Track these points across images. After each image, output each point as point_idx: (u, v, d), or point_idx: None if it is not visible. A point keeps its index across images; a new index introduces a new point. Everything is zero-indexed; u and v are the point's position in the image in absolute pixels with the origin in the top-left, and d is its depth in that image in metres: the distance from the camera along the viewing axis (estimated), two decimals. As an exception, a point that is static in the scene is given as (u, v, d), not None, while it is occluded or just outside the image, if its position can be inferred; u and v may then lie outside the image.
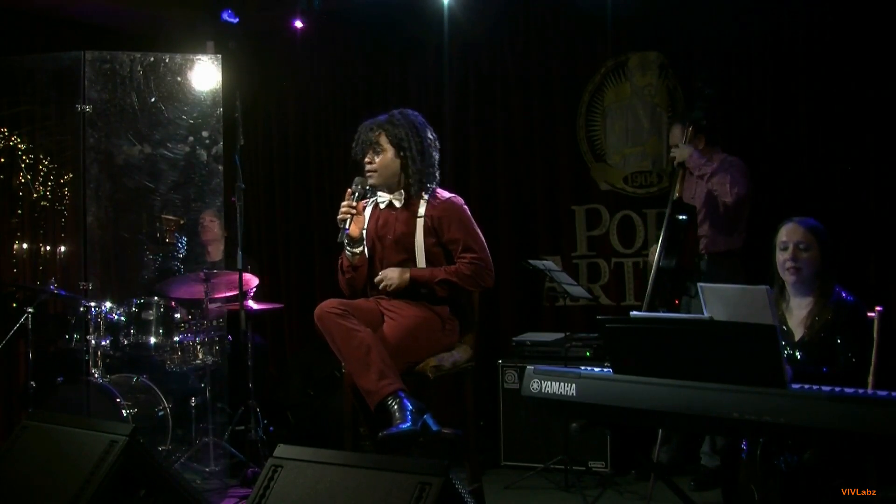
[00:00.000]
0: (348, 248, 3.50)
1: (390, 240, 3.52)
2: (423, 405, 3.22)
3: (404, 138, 3.46)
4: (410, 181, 3.49)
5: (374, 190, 3.59)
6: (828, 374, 2.90)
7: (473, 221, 3.55)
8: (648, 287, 4.17)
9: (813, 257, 3.04)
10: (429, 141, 3.53)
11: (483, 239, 3.55)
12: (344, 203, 3.46)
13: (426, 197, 3.51)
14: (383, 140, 3.48)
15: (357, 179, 3.52)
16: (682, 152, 4.22)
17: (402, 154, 3.47)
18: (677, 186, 4.19)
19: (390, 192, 3.55)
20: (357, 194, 3.49)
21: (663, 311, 4.00)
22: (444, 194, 3.56)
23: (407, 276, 3.45)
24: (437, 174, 3.57)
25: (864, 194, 4.41)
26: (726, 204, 4.13)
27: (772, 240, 3.13)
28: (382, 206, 3.58)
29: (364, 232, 3.56)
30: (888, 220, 4.34)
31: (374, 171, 3.50)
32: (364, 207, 3.59)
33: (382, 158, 3.48)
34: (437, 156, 3.57)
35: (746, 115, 4.73)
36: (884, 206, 4.36)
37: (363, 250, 3.53)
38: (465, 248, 3.47)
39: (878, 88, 4.33)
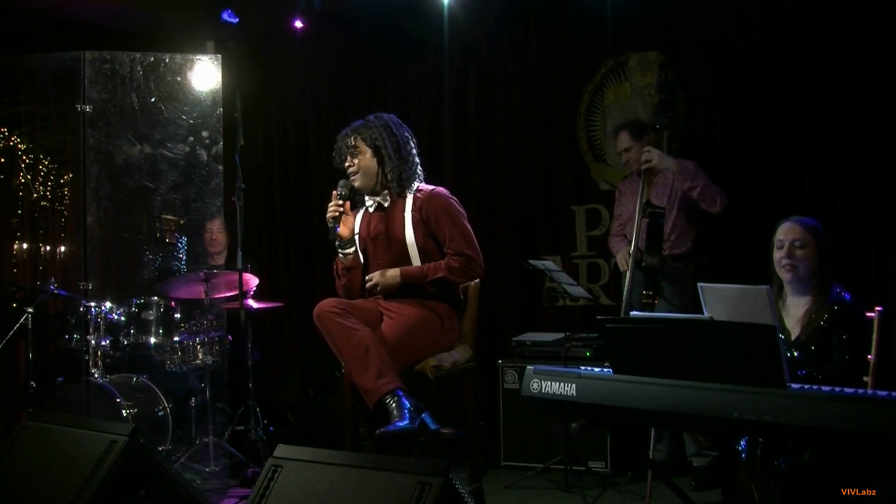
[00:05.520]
0: (340, 249, 3.57)
1: (382, 240, 3.57)
2: (422, 404, 3.22)
3: (378, 137, 3.54)
4: (389, 178, 3.55)
5: (360, 194, 3.64)
6: (820, 375, 2.90)
7: (461, 211, 3.58)
8: (626, 288, 4.22)
9: (809, 255, 3.05)
10: (405, 138, 3.60)
11: (470, 229, 3.57)
12: (331, 203, 3.54)
13: (410, 193, 3.56)
14: (359, 143, 3.56)
15: (341, 182, 3.61)
16: (663, 162, 4.27)
17: (379, 153, 3.54)
18: (646, 189, 4.24)
19: (376, 194, 3.61)
20: (343, 194, 3.56)
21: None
22: (427, 187, 3.61)
23: (398, 277, 3.48)
24: (418, 170, 3.63)
25: (864, 194, 4.41)
26: (714, 212, 4.31)
27: (770, 239, 3.14)
28: (371, 209, 3.63)
29: (356, 236, 3.62)
30: (888, 220, 4.34)
31: (356, 172, 3.57)
32: (352, 207, 3.63)
33: (361, 160, 3.56)
34: (415, 152, 3.63)
35: (746, 115, 4.73)
36: (884, 206, 4.35)
37: (355, 251, 3.60)
38: (451, 239, 3.51)
39: (878, 88, 4.33)
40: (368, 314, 3.40)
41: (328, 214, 3.53)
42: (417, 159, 3.64)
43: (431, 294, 3.50)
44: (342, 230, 3.53)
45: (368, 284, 3.54)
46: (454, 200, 3.59)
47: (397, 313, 3.43)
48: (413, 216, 3.52)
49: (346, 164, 3.59)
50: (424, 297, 3.49)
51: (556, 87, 5.33)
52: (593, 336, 4.69)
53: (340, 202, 3.54)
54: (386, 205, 3.59)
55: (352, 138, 3.57)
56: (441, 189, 3.61)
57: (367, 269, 3.62)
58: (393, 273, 3.49)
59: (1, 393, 5.42)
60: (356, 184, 3.58)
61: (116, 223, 4.97)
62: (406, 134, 3.62)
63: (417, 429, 3.12)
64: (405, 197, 3.56)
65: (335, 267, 3.66)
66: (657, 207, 4.21)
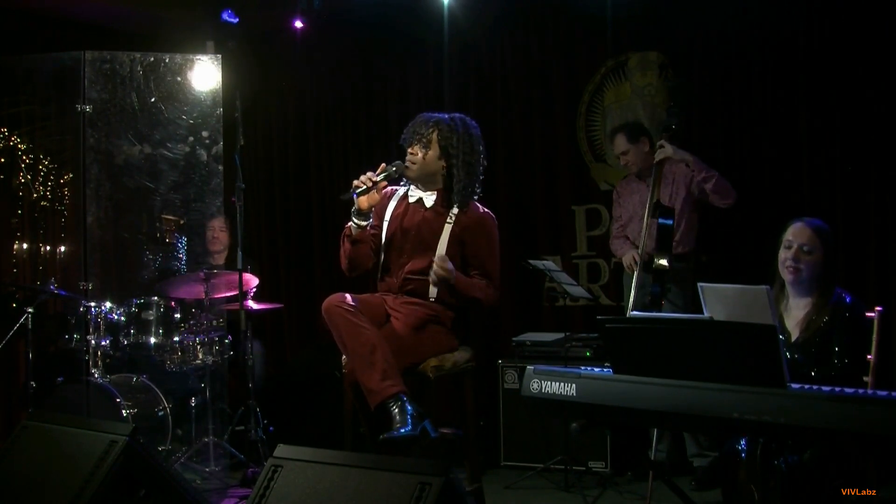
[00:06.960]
0: (354, 217, 3.43)
1: (413, 235, 3.48)
2: (423, 410, 3.21)
3: (454, 146, 3.44)
4: (453, 192, 3.46)
5: (408, 182, 3.56)
6: (819, 376, 2.90)
7: (498, 243, 3.54)
8: (633, 289, 4.22)
9: (815, 261, 3.03)
10: (478, 157, 3.51)
11: (499, 263, 3.54)
12: (368, 173, 3.38)
13: (457, 206, 3.48)
14: (434, 138, 3.46)
15: (398, 163, 3.46)
16: (678, 153, 4.29)
17: (447, 161, 3.46)
18: (657, 189, 4.23)
19: (425, 189, 3.52)
20: (389, 174, 3.41)
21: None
22: (480, 208, 3.54)
23: (453, 277, 3.36)
24: (478, 190, 3.54)
25: (865, 194, 4.41)
26: (725, 206, 4.32)
27: (778, 236, 3.12)
28: (412, 200, 3.55)
29: (385, 222, 3.53)
30: (888, 220, 4.34)
31: (414, 163, 3.47)
32: (387, 189, 3.53)
33: (426, 154, 3.46)
34: (482, 173, 3.54)
35: (746, 115, 4.73)
36: (884, 206, 4.35)
37: (367, 226, 3.46)
38: (483, 269, 3.47)
39: (878, 88, 4.33)
40: (375, 311, 3.38)
41: (356, 181, 3.34)
42: (481, 179, 3.54)
43: (443, 300, 3.46)
44: (362, 202, 3.37)
45: (438, 260, 3.32)
46: (497, 232, 3.54)
47: (404, 314, 3.41)
48: (454, 230, 3.44)
49: (411, 150, 3.48)
50: (435, 303, 3.46)
51: (556, 87, 5.33)
52: (593, 336, 4.69)
53: (377, 180, 3.36)
54: (428, 204, 3.51)
55: (430, 130, 3.46)
56: (491, 216, 3.54)
57: (388, 256, 3.53)
58: (452, 271, 3.32)
59: (1, 393, 5.42)
60: (408, 173, 3.47)
61: (116, 223, 4.97)
62: (481, 150, 3.52)
63: (419, 435, 3.12)
64: (451, 207, 3.48)
65: (344, 232, 3.50)
66: (667, 208, 4.20)
